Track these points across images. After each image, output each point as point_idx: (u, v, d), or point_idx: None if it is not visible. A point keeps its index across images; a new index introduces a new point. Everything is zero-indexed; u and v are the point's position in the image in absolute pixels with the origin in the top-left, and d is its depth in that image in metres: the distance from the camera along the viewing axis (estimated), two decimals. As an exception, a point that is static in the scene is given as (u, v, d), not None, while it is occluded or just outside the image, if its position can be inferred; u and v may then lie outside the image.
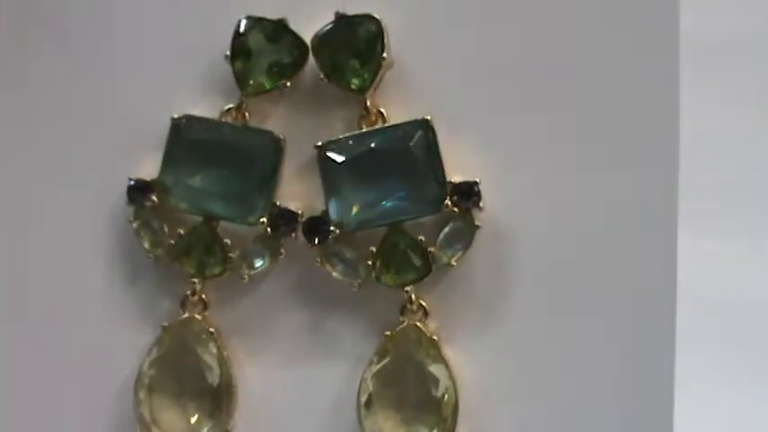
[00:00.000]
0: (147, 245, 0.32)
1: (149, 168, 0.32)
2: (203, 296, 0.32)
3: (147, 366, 0.32)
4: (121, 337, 0.33)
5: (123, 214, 0.33)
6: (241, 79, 0.32)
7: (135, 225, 0.32)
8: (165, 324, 0.32)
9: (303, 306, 0.32)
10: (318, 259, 0.32)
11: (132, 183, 0.32)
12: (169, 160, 0.32)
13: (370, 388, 0.31)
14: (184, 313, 0.32)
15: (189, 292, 0.32)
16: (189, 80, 0.33)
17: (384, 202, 0.31)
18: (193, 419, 0.31)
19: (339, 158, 0.31)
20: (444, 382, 0.31)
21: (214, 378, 0.31)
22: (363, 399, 0.31)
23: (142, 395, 0.31)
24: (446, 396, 0.31)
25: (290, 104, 0.32)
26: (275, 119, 0.32)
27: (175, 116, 0.32)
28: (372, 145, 0.31)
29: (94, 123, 0.33)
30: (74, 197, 0.33)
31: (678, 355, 0.31)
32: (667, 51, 0.31)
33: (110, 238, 0.33)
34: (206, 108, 0.32)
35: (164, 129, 0.32)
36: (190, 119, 0.32)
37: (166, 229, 0.32)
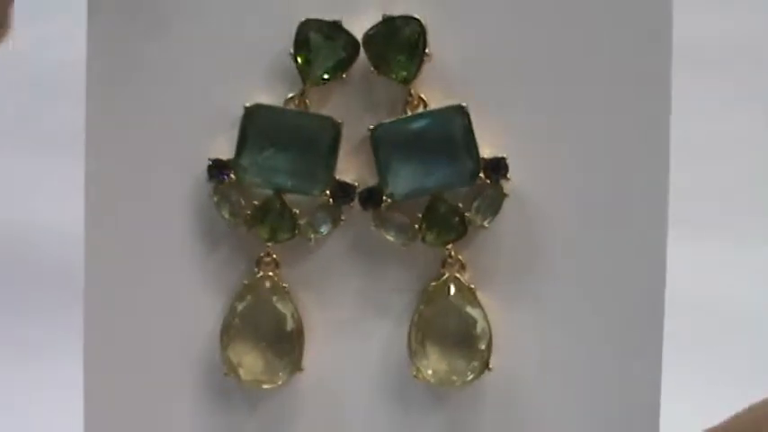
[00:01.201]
0: (226, 215, 0.38)
1: (223, 149, 0.38)
2: (275, 257, 0.38)
3: (232, 317, 0.38)
4: (205, 294, 0.38)
5: (204, 190, 0.38)
6: (303, 72, 0.37)
7: (215, 199, 0.38)
8: (246, 282, 0.38)
9: (360, 263, 0.38)
10: (373, 224, 0.38)
11: (211, 162, 0.38)
12: (243, 142, 0.37)
13: (419, 329, 0.37)
14: (260, 272, 0.38)
15: (263, 254, 0.38)
16: (256, 73, 0.38)
17: (428, 176, 0.37)
18: (272, 359, 0.37)
19: (390, 139, 0.37)
20: (481, 322, 0.37)
21: (288, 326, 0.38)
22: (414, 338, 0.37)
23: (228, 342, 0.37)
24: (482, 334, 0.37)
25: (343, 93, 0.38)
26: (331, 105, 0.38)
27: (248, 105, 0.37)
28: (417, 127, 0.37)
29: (176, 112, 0.38)
30: (160, 176, 0.39)
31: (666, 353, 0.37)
32: (660, 55, 0.37)
33: (192, 210, 0.39)
34: (271, 97, 0.38)
35: (234, 115, 0.38)
36: (260, 107, 0.37)
37: (243, 202, 0.38)
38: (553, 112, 0.38)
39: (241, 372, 0.37)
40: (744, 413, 0.37)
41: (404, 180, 0.37)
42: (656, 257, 0.38)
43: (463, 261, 0.38)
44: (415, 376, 0.38)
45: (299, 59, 0.37)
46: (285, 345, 0.38)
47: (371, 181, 0.38)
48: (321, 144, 0.37)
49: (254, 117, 0.37)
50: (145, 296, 0.38)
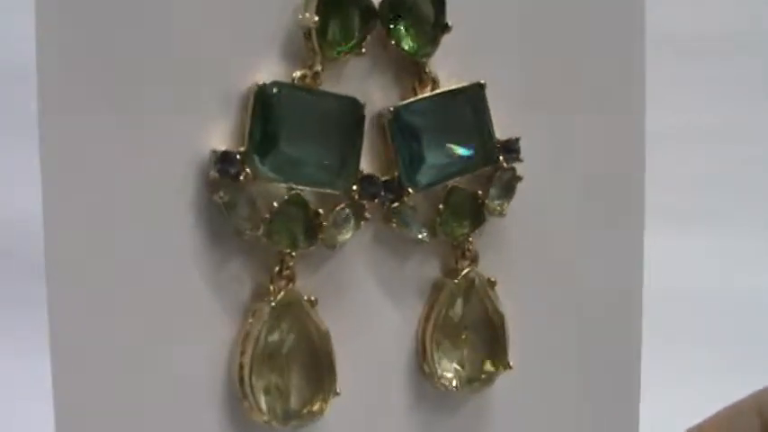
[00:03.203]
0: (238, 220, 0.31)
1: (222, 137, 0.31)
2: (292, 267, 0.32)
3: (263, 342, 0.31)
4: (209, 313, 0.31)
5: (192, 187, 0.31)
6: (323, 46, 0.31)
7: (224, 200, 0.30)
8: (274, 302, 0.31)
9: (377, 259, 0.33)
10: (394, 219, 0.33)
11: (220, 154, 0.30)
12: (260, 129, 0.30)
13: (442, 320, 0.34)
14: (283, 287, 0.31)
15: (281, 266, 0.31)
16: (254, 48, 0.31)
17: (449, 162, 0.34)
18: (312, 386, 0.31)
19: (412, 122, 0.33)
20: (505, 317, 0.35)
21: (322, 344, 0.32)
22: (434, 338, 0.34)
23: (260, 373, 0.31)
24: (502, 327, 0.35)
25: (352, 70, 0.33)
26: (337, 83, 0.32)
27: (261, 82, 0.30)
28: (438, 109, 0.33)
29: (153, 91, 0.30)
30: (152, 170, 0.30)
31: (648, 347, 0.38)
32: (633, 47, 0.37)
33: (189, 212, 0.31)
34: (272, 75, 0.31)
35: (231, 96, 0.31)
36: (277, 86, 0.31)
37: (258, 203, 0.31)
38: (533, 106, 0.36)
39: (278, 408, 0.31)
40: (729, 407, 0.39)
41: (425, 168, 0.33)
42: (632, 250, 0.38)
43: (477, 252, 0.35)
44: (439, 381, 0.34)
45: (318, 28, 0.31)
46: (325, 366, 0.32)
47: (371, 168, 0.33)
48: (347, 130, 0.32)
49: (269, 97, 0.31)
50: (126, 322, 0.30)
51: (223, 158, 0.30)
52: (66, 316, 0.29)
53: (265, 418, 0.31)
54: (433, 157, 0.33)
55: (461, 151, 0.34)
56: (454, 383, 0.34)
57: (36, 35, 0.28)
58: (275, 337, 0.31)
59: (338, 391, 0.32)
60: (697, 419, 0.40)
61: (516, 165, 0.35)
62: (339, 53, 0.32)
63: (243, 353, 0.31)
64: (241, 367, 0.31)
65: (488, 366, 0.35)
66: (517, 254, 0.36)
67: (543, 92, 0.37)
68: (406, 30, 0.33)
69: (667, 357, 0.52)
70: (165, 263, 0.30)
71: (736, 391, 0.39)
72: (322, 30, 0.31)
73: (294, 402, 0.31)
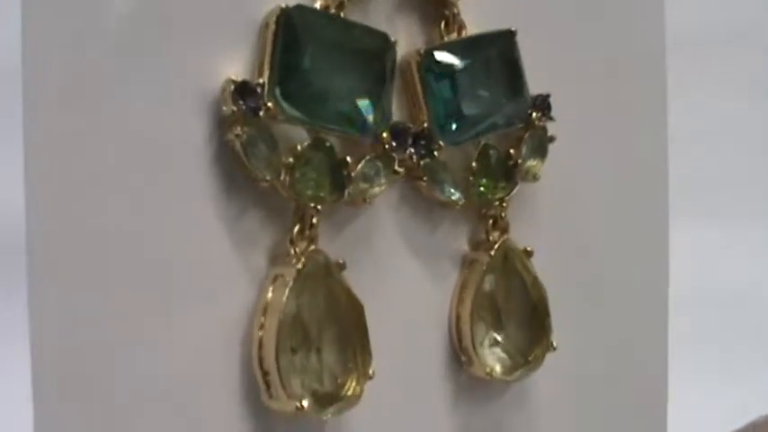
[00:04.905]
0: (256, 163, 0.25)
1: (235, 69, 0.26)
2: (315, 223, 0.27)
3: (290, 314, 0.25)
4: (219, 278, 0.26)
5: (212, 126, 0.25)
6: (351, -30, 0.27)
7: (242, 140, 0.25)
8: (300, 265, 0.26)
9: (405, 222, 0.29)
10: (425, 178, 0.29)
11: (238, 84, 0.25)
12: (281, 57, 0.26)
13: (478, 300, 0.30)
14: (295, 247, 0.26)
15: (302, 223, 0.26)
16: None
17: (483, 114, 0.30)
18: (342, 364, 0.26)
19: (446, 68, 0.29)
20: (543, 289, 0.31)
21: (353, 316, 0.27)
22: (471, 315, 0.29)
23: (296, 346, 0.26)
24: (543, 303, 0.31)
25: (376, 5, 0.29)
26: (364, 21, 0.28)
27: (284, 5, 0.26)
28: (472, 55, 0.29)
29: (166, 21, 0.25)
30: (151, 107, 0.25)
31: (676, 348, 0.35)
32: (654, 46, 0.34)
33: (195, 157, 0.25)
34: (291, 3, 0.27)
35: (244, 24, 0.26)
36: (302, 9, 0.26)
37: (279, 146, 0.26)
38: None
39: (312, 391, 0.26)
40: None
41: (463, 119, 0.29)
42: (658, 243, 0.35)
43: (508, 219, 0.31)
44: (480, 368, 0.30)
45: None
46: (357, 343, 0.27)
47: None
48: (379, 68, 0.27)
49: (295, 23, 0.26)
50: (122, 290, 0.24)
51: (241, 90, 0.25)
52: (54, 283, 0.23)
53: (297, 404, 0.25)
54: (467, 108, 0.29)
55: (496, 103, 0.30)
56: (498, 370, 0.30)
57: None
58: (302, 307, 0.26)
59: (372, 373, 0.27)
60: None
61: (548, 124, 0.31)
62: (366, -19, 0.27)
63: (263, 326, 0.26)
64: (261, 344, 0.25)
65: (533, 349, 0.30)
66: (545, 223, 0.32)
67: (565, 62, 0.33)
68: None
69: (698, 357, 0.49)
70: (167, 217, 0.25)
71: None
72: None
73: (328, 385, 0.26)
